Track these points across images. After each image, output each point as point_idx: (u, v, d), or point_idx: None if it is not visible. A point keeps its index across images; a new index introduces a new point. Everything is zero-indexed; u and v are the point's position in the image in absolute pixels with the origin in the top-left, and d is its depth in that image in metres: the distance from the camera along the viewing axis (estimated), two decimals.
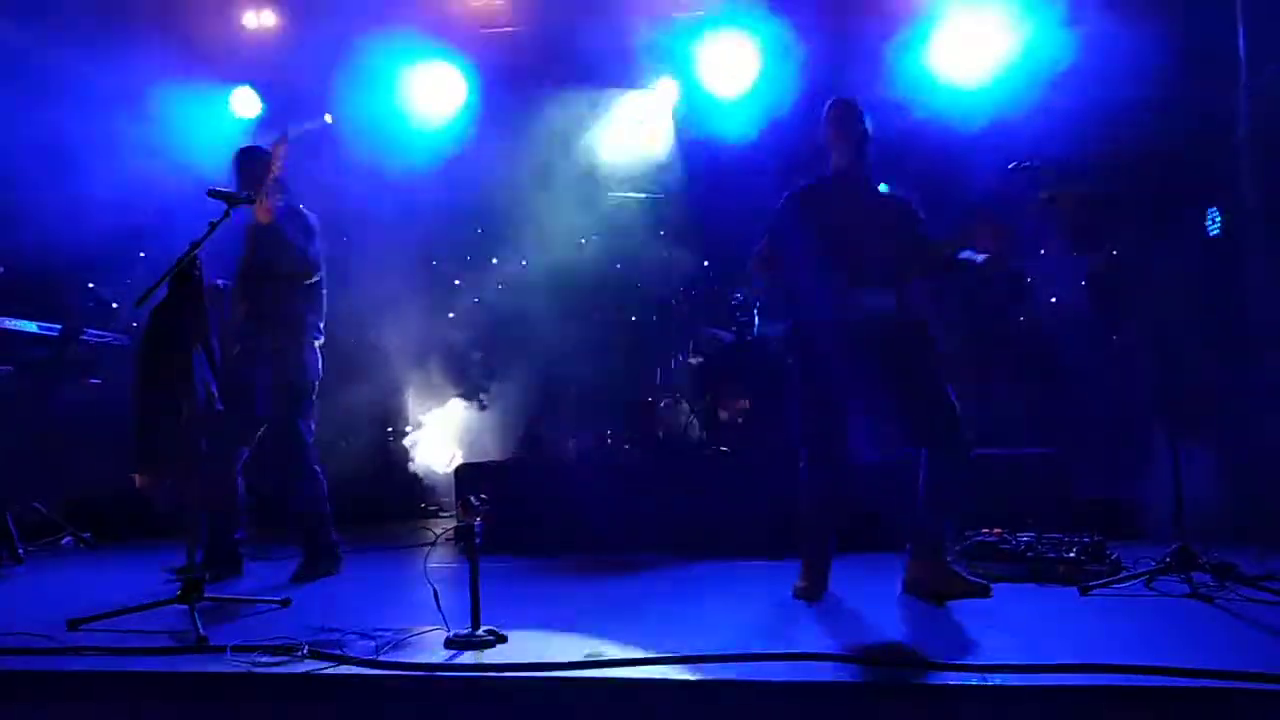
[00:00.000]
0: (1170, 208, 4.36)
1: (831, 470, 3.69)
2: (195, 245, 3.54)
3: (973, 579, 3.53)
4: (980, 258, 3.60)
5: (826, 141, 3.79)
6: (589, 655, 2.72)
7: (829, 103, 3.81)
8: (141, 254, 7.16)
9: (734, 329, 6.26)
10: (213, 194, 3.64)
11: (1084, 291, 6.90)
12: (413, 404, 7.05)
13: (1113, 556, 3.82)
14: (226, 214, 3.63)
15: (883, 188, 3.91)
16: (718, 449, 5.63)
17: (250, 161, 4.41)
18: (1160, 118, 5.58)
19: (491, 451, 6.71)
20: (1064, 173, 3.80)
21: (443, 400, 7.10)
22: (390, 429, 6.89)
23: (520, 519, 4.71)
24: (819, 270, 3.68)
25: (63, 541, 5.26)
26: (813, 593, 3.60)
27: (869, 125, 3.75)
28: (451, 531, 5.06)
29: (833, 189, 3.80)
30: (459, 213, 7.14)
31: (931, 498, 3.59)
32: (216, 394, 3.54)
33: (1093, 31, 5.60)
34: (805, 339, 3.75)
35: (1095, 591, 3.52)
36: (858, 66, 6.73)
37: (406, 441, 6.93)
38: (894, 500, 4.43)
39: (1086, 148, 5.99)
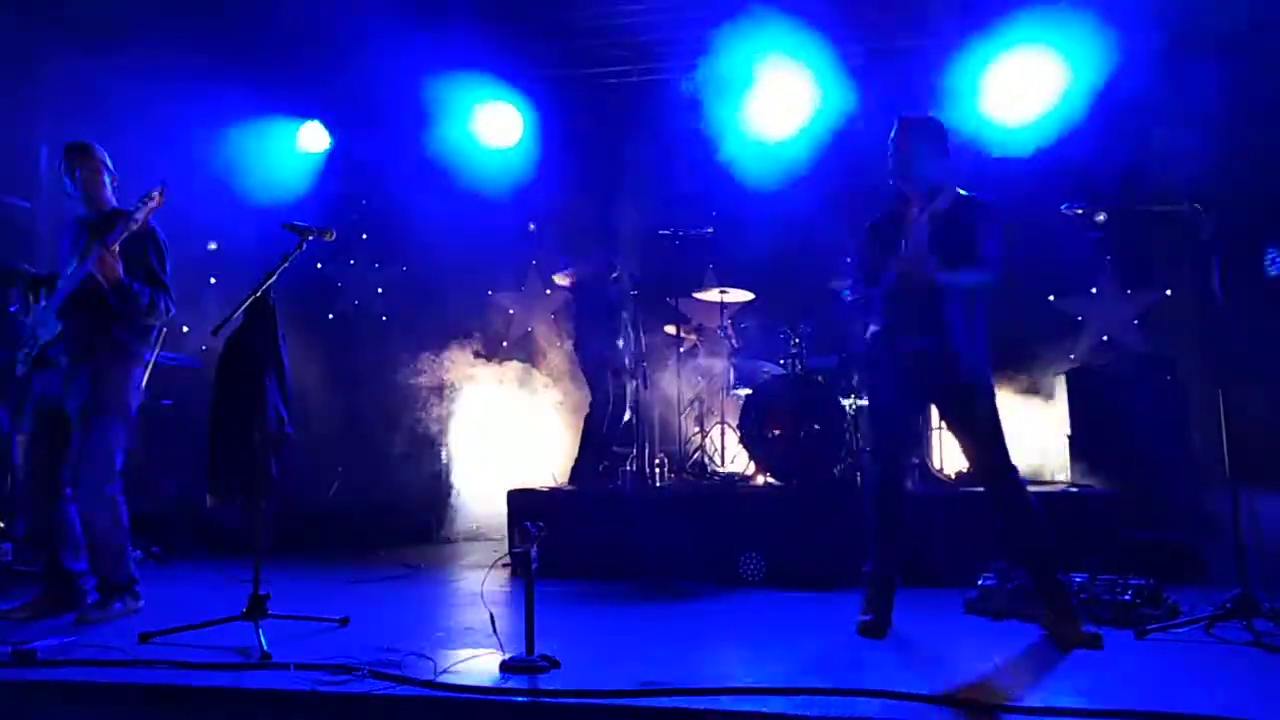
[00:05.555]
0: (1228, 246, 4.32)
1: (892, 484, 3.67)
2: (270, 275, 3.70)
3: (1086, 629, 3.38)
4: None
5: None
6: (644, 684, 2.76)
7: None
8: (212, 280, 7.51)
9: (782, 362, 6.29)
10: (288, 227, 3.79)
11: (1136, 330, 6.84)
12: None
13: (1169, 600, 3.74)
14: (300, 246, 3.78)
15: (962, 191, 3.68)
16: (766, 481, 5.64)
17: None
18: (1220, 154, 5.54)
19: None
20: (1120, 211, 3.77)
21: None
22: (433, 447, 6.93)
23: (570, 544, 4.76)
24: (870, 307, 3.71)
25: (133, 555, 5.43)
26: (878, 628, 3.51)
27: (926, 141, 3.63)
28: (507, 557, 5.20)
29: (888, 216, 3.75)
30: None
31: (1007, 539, 3.62)
32: (287, 418, 3.67)
33: (1153, 71, 5.58)
34: (868, 365, 3.89)
35: (1152, 635, 3.45)
36: (910, 105, 6.80)
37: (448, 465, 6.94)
38: (942, 533, 4.48)
39: (1145, 184, 5.99)
